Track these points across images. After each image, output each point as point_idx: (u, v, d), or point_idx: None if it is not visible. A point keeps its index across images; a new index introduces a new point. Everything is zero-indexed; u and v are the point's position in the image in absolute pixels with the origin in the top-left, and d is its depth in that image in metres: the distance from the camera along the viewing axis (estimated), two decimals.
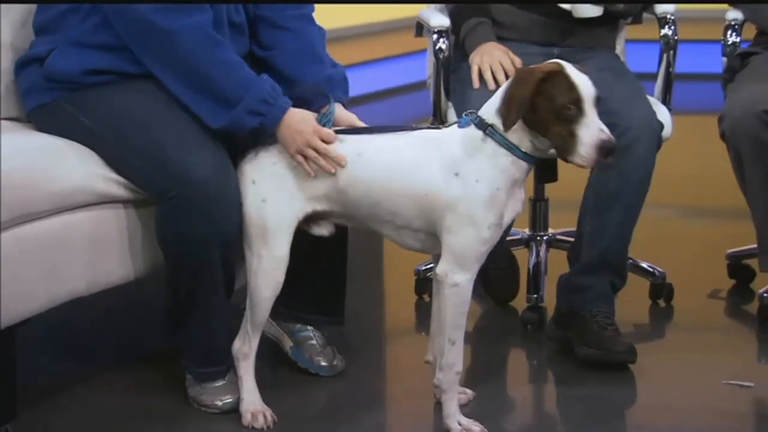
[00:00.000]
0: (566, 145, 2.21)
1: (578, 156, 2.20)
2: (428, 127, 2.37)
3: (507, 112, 2.24)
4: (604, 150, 2.19)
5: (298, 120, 2.37)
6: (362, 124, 2.47)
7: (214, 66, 2.36)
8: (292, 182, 2.38)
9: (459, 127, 2.32)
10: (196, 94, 2.37)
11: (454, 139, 2.31)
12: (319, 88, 2.48)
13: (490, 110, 2.30)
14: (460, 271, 2.30)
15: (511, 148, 2.27)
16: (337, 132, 2.40)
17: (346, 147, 2.37)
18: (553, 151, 2.29)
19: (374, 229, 2.41)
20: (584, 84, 2.22)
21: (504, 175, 2.27)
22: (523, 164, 2.28)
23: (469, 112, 2.33)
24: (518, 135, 2.27)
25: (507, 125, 2.25)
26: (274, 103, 2.38)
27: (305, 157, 2.35)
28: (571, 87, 2.21)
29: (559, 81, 2.21)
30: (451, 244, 2.30)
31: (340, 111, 2.48)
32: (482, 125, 2.28)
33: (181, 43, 2.34)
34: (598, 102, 2.22)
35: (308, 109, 2.43)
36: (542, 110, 2.22)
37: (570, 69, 2.24)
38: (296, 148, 2.36)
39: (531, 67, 2.28)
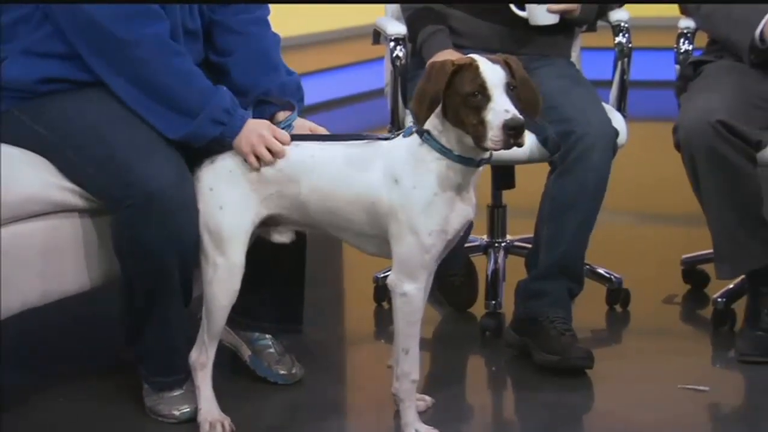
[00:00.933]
0: (478, 132, 2.22)
1: (489, 140, 2.20)
2: (379, 138, 2.38)
3: (418, 107, 2.26)
4: (510, 128, 2.18)
5: (255, 125, 2.38)
6: (322, 131, 2.48)
7: (173, 76, 2.35)
8: (249, 189, 2.39)
9: (403, 136, 2.34)
10: (153, 104, 2.36)
11: (398, 147, 2.33)
12: (282, 97, 2.48)
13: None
14: (408, 280, 2.31)
15: (445, 152, 2.28)
16: (292, 137, 2.40)
17: (300, 150, 2.37)
18: (488, 153, 2.30)
19: (334, 235, 2.42)
20: (491, 71, 2.23)
21: (441, 180, 2.28)
22: (460, 167, 2.29)
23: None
24: (450, 137, 2.28)
25: (419, 121, 2.27)
26: (234, 112, 2.38)
27: (258, 157, 2.35)
28: (477, 75, 2.22)
29: (466, 72, 2.23)
30: (397, 252, 2.32)
31: (300, 120, 2.49)
32: (420, 132, 2.31)
33: (140, 54, 2.34)
34: (511, 88, 2.23)
35: (264, 117, 2.44)
36: (454, 102, 2.24)
37: (481, 60, 2.25)
38: (249, 145, 2.35)
39: (442, 60, 2.29)
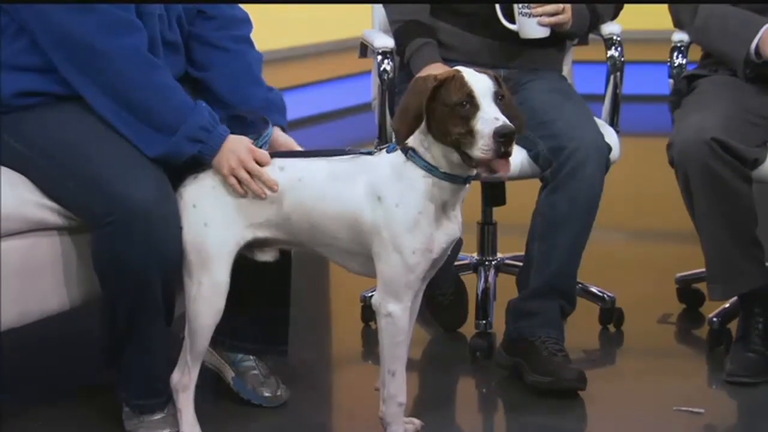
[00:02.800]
0: (467, 143, 2.21)
1: (479, 149, 2.20)
2: (362, 153, 2.37)
3: (400, 124, 2.26)
4: (500, 136, 2.18)
5: (235, 145, 2.37)
6: (298, 147, 2.47)
7: (150, 91, 2.34)
8: (233, 207, 2.37)
9: (387, 152, 2.33)
10: (130, 119, 2.35)
11: (382, 163, 2.32)
12: (257, 113, 2.47)
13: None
14: (392, 300, 2.30)
15: (431, 170, 2.27)
16: (273, 155, 2.40)
17: (287, 174, 2.36)
18: (475, 170, 2.28)
19: (320, 253, 2.41)
20: (478, 80, 2.23)
21: (425, 197, 2.28)
22: (447, 185, 2.28)
23: None
24: (436, 154, 2.27)
25: (401, 138, 2.26)
26: (213, 130, 2.37)
27: (239, 180, 2.34)
28: (463, 85, 2.22)
29: (452, 83, 2.23)
30: (381, 271, 2.31)
31: (278, 135, 2.48)
32: (404, 149, 2.29)
33: (116, 66, 2.32)
34: (500, 98, 2.23)
35: (244, 134, 2.42)
36: (440, 115, 2.24)
37: (466, 70, 2.25)
38: (229, 168, 2.35)
39: (424, 75, 2.29)
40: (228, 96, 2.50)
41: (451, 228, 2.32)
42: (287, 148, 2.47)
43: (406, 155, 2.29)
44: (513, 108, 2.31)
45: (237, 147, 2.36)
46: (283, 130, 2.52)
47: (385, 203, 2.28)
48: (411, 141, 2.29)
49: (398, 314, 2.31)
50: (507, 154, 2.20)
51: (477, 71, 2.25)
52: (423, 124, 2.26)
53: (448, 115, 2.22)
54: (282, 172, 2.37)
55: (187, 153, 2.36)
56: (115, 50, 2.32)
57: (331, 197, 2.33)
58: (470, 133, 2.21)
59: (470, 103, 2.21)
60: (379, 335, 2.34)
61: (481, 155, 2.20)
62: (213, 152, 2.36)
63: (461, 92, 2.21)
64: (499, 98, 2.23)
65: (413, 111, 2.24)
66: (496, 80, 2.25)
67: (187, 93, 2.40)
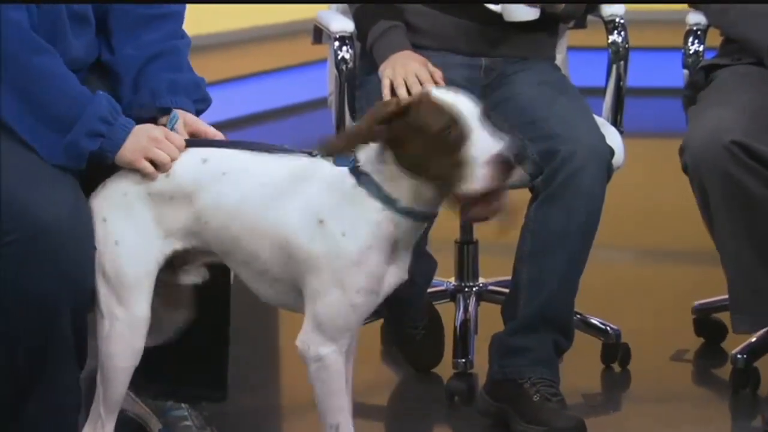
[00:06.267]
0: (456, 175, 2.19)
1: (475, 180, 2.18)
2: (302, 151, 2.37)
3: (337, 140, 2.26)
4: (504, 164, 2.17)
5: (143, 130, 2.38)
6: (219, 135, 2.47)
7: (38, 78, 2.35)
8: (147, 215, 2.37)
9: (336, 163, 2.31)
10: (30, 120, 2.35)
11: (325, 176, 2.30)
12: (173, 96, 2.47)
13: (369, 155, 2.28)
14: (326, 342, 2.30)
15: (389, 203, 2.26)
16: (189, 143, 2.40)
17: (210, 166, 2.35)
18: (459, 212, 2.26)
19: (234, 270, 2.40)
20: (459, 100, 2.23)
21: (378, 232, 2.27)
22: (404, 222, 2.27)
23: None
24: (398, 185, 2.26)
25: (328, 149, 2.26)
26: (115, 121, 2.38)
27: (151, 161, 2.35)
28: (441, 108, 2.21)
29: (425, 108, 2.22)
30: (315, 307, 2.30)
31: (192, 121, 2.47)
32: (357, 171, 2.28)
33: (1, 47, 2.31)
34: (488, 116, 2.23)
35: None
36: (417, 147, 2.21)
37: (438, 91, 2.25)
38: (141, 151, 2.35)
39: (386, 101, 2.28)
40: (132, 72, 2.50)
41: (399, 270, 2.31)
42: (205, 137, 2.47)
43: (358, 179, 2.28)
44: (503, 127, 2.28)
45: (146, 129, 2.38)
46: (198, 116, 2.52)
47: (328, 229, 2.27)
48: (367, 167, 2.27)
49: (332, 358, 2.30)
50: (512, 180, 2.18)
51: (452, 89, 2.24)
52: (386, 154, 2.24)
53: (426, 146, 2.20)
54: (205, 164, 2.37)
55: (86, 150, 2.36)
56: None
57: (258, 205, 2.31)
58: (460, 164, 2.19)
59: (456, 127, 2.20)
60: (312, 384, 2.33)
61: (474, 186, 2.18)
62: (117, 146, 2.37)
63: (442, 118, 2.20)
64: (486, 117, 2.21)
65: (365, 129, 2.22)
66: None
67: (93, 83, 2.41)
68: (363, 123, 2.25)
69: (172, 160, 2.36)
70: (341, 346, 2.31)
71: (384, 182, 2.26)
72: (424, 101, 2.23)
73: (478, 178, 2.18)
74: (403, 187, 2.26)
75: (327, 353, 2.30)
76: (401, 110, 2.23)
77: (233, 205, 2.33)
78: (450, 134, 2.20)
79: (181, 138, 2.40)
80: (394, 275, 2.31)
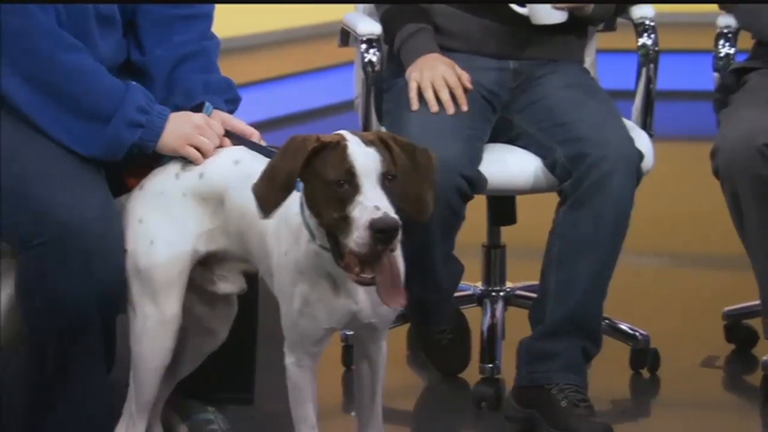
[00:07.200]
0: (341, 229, 2.14)
1: (352, 241, 2.12)
2: None
3: (265, 189, 2.19)
4: (377, 230, 2.09)
5: (180, 121, 2.40)
6: (255, 133, 2.47)
7: (73, 74, 2.36)
8: (181, 216, 2.38)
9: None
10: (60, 114, 2.37)
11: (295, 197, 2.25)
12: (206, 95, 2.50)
13: None
14: (288, 353, 2.33)
15: (312, 235, 2.23)
16: (228, 134, 2.43)
17: (241, 168, 2.36)
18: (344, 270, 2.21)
19: (259, 273, 2.41)
20: (362, 155, 2.14)
21: (306, 261, 2.25)
22: (328, 255, 2.21)
23: None
24: (313, 225, 2.22)
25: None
26: (152, 110, 2.40)
27: (198, 148, 2.38)
28: (344, 158, 2.14)
29: (332, 153, 2.16)
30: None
31: (226, 118, 2.48)
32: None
33: (26, 45, 2.32)
34: (389, 179, 2.15)
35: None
36: (314, 189, 2.18)
37: (352, 140, 2.17)
38: (185, 138, 2.37)
39: (304, 136, 2.22)
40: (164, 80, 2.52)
41: (347, 303, 2.26)
42: (240, 133, 2.47)
43: (301, 206, 2.23)
44: (418, 184, 2.20)
45: (186, 117, 2.40)
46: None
47: (280, 243, 2.28)
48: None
49: (291, 369, 2.32)
50: (390, 250, 2.12)
51: (366, 139, 2.18)
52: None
53: (321, 192, 2.16)
54: (237, 165, 2.38)
55: (127, 141, 2.38)
56: (27, 25, 2.33)
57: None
58: (344, 220, 2.14)
59: (349, 183, 2.14)
60: None
61: (352, 247, 2.13)
62: (156, 136, 2.39)
63: (339, 168, 2.14)
64: (387, 179, 2.15)
65: (283, 176, 2.18)
66: (389, 154, 2.17)
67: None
68: (283, 163, 2.18)
69: (215, 147, 2.38)
70: (300, 360, 2.32)
71: (310, 216, 2.23)
72: (335, 148, 2.17)
73: (355, 240, 2.13)
74: (315, 227, 2.22)
75: (287, 363, 2.33)
76: (320, 149, 2.18)
77: (252, 210, 2.31)
78: (342, 188, 2.15)
79: (220, 126, 2.42)
80: (339, 310, 2.27)
